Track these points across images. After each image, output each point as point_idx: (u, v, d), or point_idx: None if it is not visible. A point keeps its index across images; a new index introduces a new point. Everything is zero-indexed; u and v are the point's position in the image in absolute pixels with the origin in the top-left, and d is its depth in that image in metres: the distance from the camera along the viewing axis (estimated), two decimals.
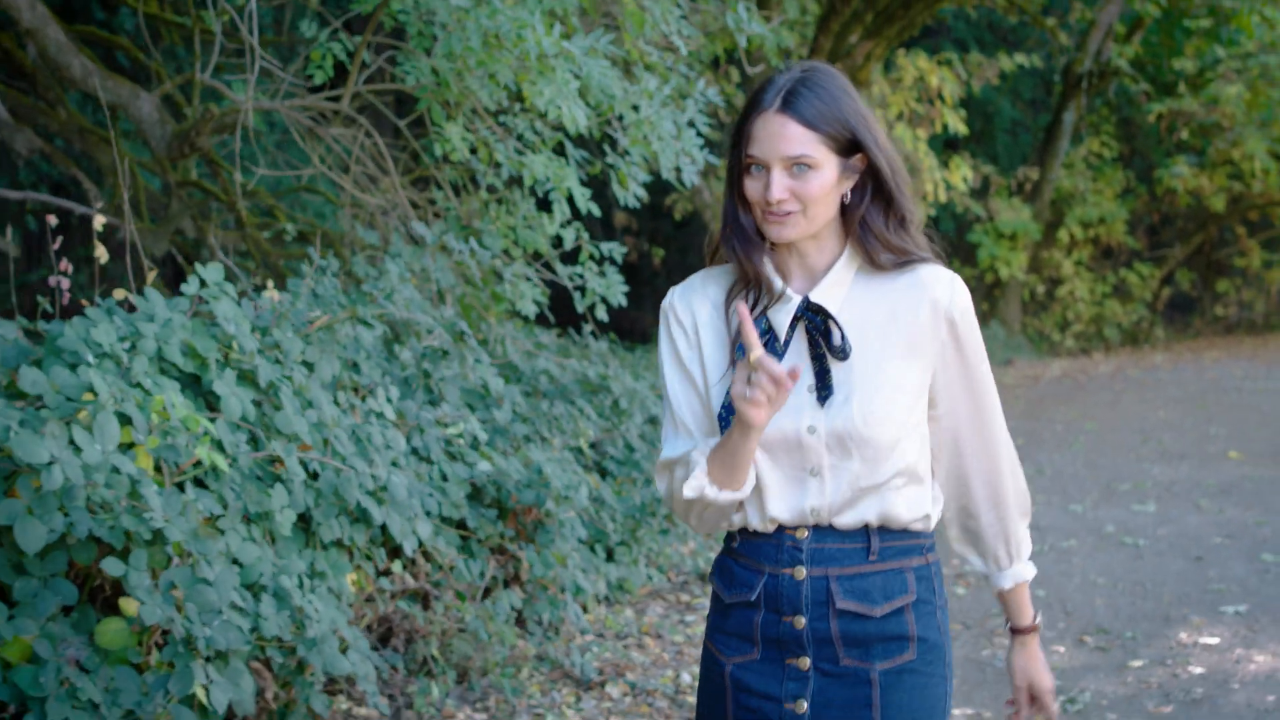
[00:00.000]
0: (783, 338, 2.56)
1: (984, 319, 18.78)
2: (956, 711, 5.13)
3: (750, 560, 2.62)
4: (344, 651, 4.44)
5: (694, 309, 2.65)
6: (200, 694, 3.91)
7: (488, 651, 5.20)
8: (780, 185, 2.51)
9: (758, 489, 2.56)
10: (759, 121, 2.53)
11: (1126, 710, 5.15)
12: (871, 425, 2.50)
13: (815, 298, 2.56)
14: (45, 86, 8.00)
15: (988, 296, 19.21)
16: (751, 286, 2.60)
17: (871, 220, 2.56)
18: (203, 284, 4.77)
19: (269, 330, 4.89)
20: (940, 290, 2.56)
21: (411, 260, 6.41)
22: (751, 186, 2.54)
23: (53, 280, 5.02)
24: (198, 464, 4.26)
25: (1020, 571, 2.68)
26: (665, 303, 2.69)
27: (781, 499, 2.56)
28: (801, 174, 2.50)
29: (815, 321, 2.55)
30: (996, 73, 15.94)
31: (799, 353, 2.56)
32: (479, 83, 6.43)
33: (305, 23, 6.63)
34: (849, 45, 12.99)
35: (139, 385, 4.22)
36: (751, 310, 2.59)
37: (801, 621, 2.55)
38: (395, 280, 5.65)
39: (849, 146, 2.53)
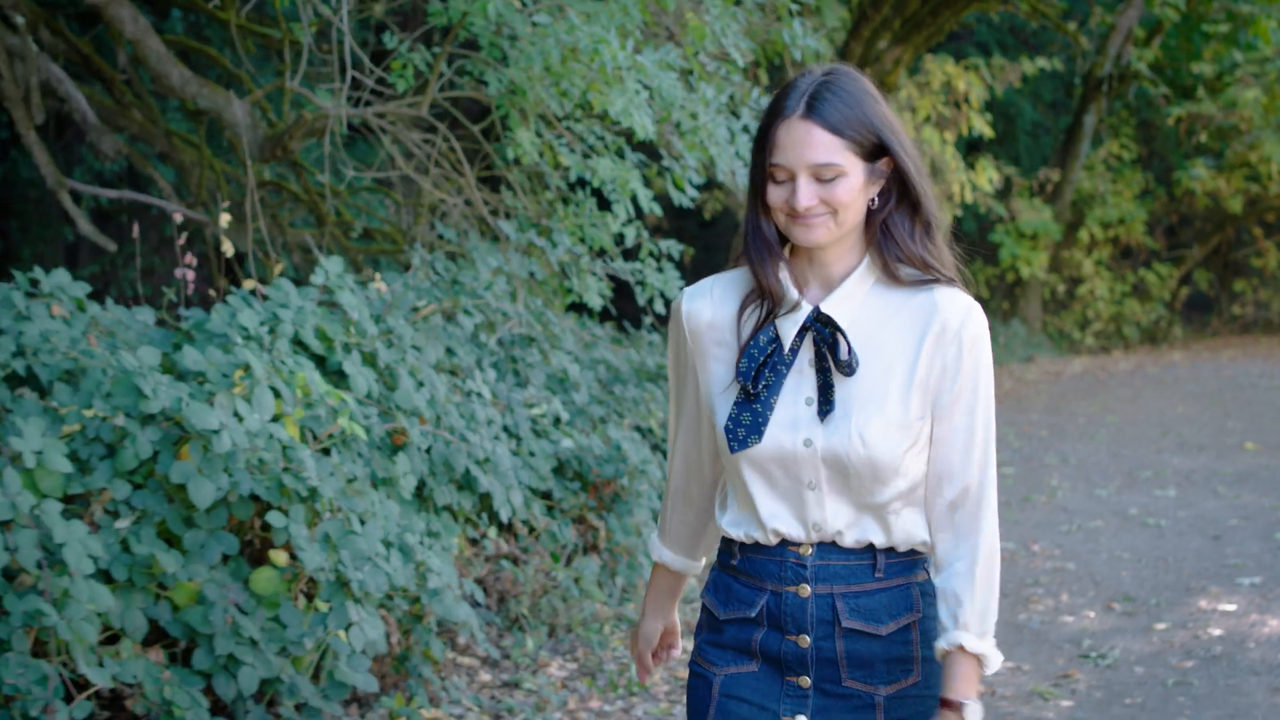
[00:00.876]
0: (788, 347, 2.55)
1: (1005, 317, 19.37)
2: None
3: (751, 578, 2.61)
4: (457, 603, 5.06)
5: (701, 314, 2.64)
6: (342, 634, 4.54)
7: (573, 610, 5.82)
8: (808, 192, 2.49)
9: (754, 506, 2.56)
10: (783, 128, 2.51)
11: (1152, 664, 5.76)
12: (870, 446, 2.48)
13: (826, 308, 2.54)
14: (121, 91, 8.61)
15: (1009, 295, 19.78)
16: (767, 296, 2.58)
17: (895, 226, 2.56)
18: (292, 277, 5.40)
19: (382, 317, 5.52)
20: (953, 314, 2.53)
21: (488, 255, 7.03)
22: (776, 194, 2.53)
23: (178, 272, 5.66)
24: (330, 435, 4.88)
25: (974, 641, 2.50)
26: (674, 304, 2.70)
27: (781, 514, 2.54)
28: (829, 182, 2.49)
29: (823, 333, 2.53)
30: (1019, 76, 16.54)
31: (804, 363, 2.55)
32: (548, 92, 7.05)
33: (388, 36, 7.24)
34: (878, 51, 13.59)
35: (283, 364, 4.83)
36: (761, 323, 2.58)
37: (806, 640, 2.54)
38: (486, 274, 6.28)
39: (875, 150, 2.52)
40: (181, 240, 5.86)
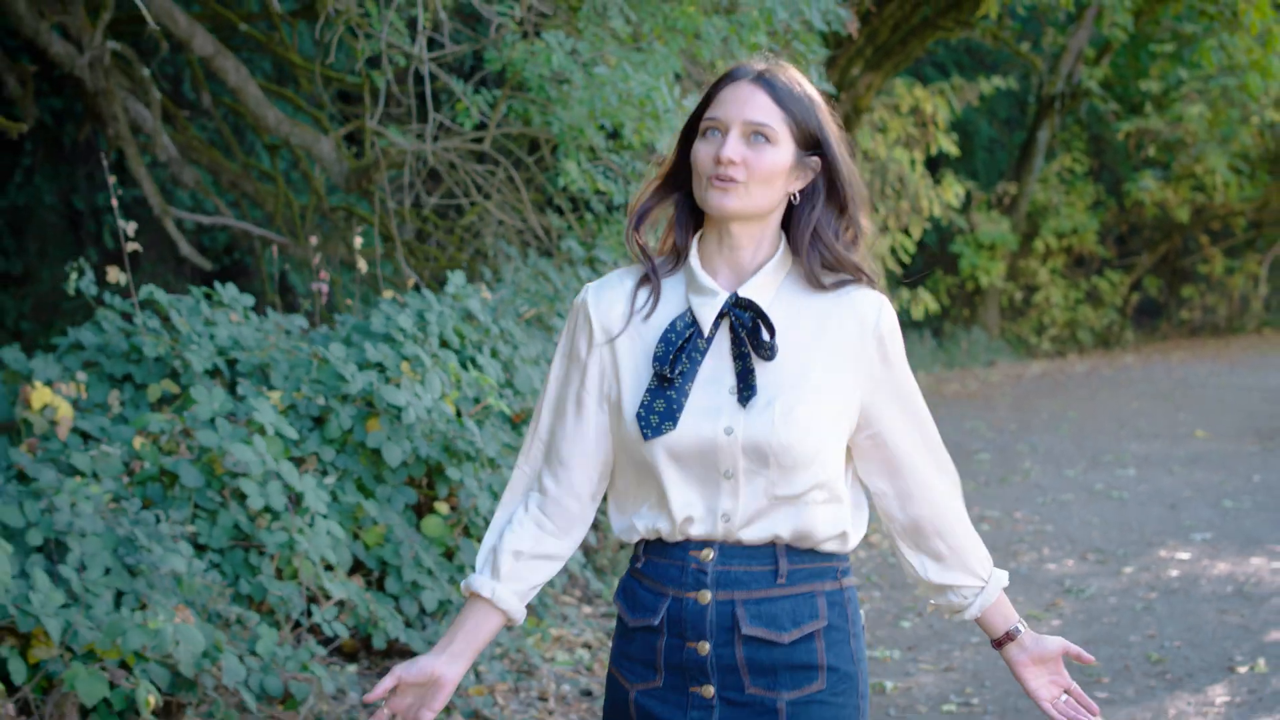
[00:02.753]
0: (705, 332, 2.58)
1: (966, 324, 20.93)
2: None
3: (654, 583, 2.64)
4: None
5: (608, 308, 2.67)
6: None
7: None
8: (735, 146, 2.54)
9: (664, 496, 2.58)
10: (728, 89, 2.59)
11: (1123, 597, 7.26)
12: (793, 431, 2.52)
13: (744, 293, 2.58)
14: (184, 126, 9.99)
15: (969, 303, 21.33)
16: (668, 261, 2.66)
17: (823, 230, 2.62)
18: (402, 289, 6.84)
19: (497, 320, 6.95)
20: (868, 309, 2.60)
21: (540, 269, 8.46)
22: (703, 149, 2.58)
23: (315, 285, 7.09)
24: (475, 412, 6.31)
25: (1000, 578, 2.74)
26: (578, 298, 2.71)
27: (691, 502, 2.57)
28: (757, 144, 2.55)
29: (742, 318, 2.56)
30: (976, 95, 18.10)
31: (722, 351, 2.59)
32: (596, 132, 8.49)
33: (456, 80, 8.66)
34: (852, 78, 15.15)
35: (435, 355, 6.26)
36: (657, 289, 2.65)
37: (706, 648, 2.58)
38: (560, 285, 7.73)
39: (809, 141, 2.60)
40: (316, 260, 7.29)
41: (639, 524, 2.64)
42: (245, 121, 10.15)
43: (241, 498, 5.48)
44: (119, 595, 4.89)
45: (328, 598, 5.41)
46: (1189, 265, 23.35)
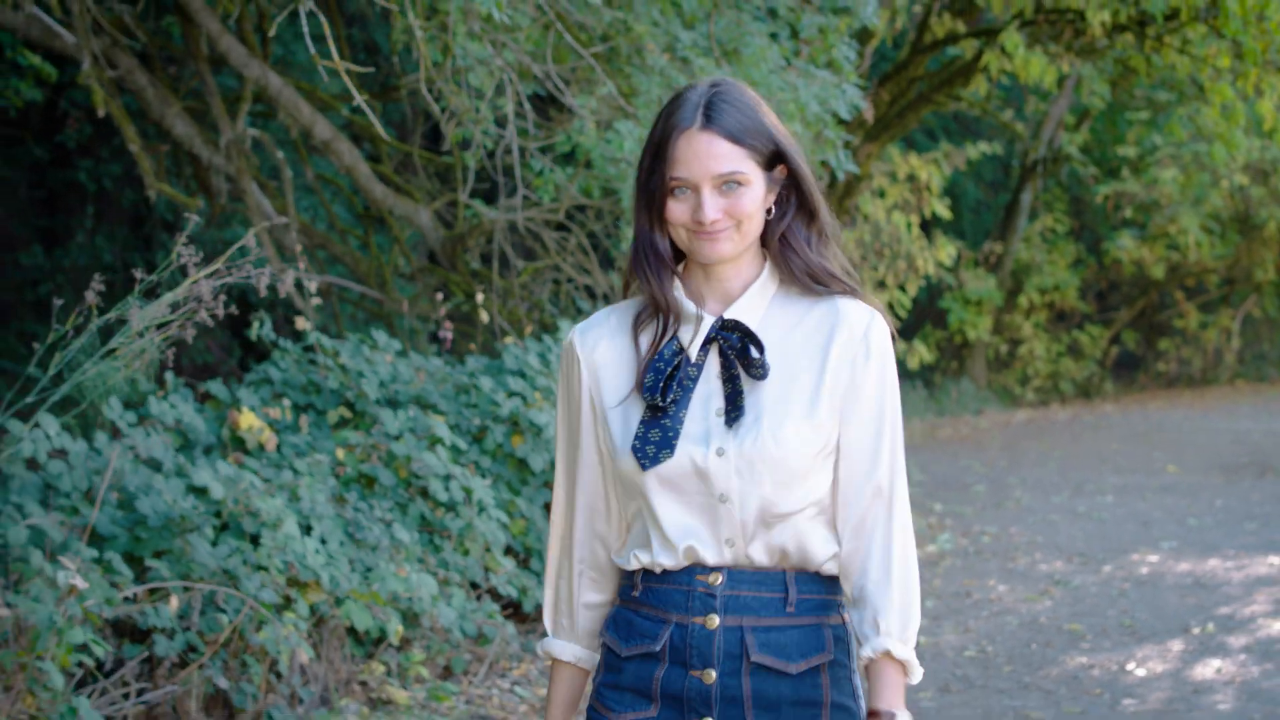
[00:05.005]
0: (693, 359, 2.63)
1: (955, 375, 22.95)
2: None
3: (655, 609, 2.65)
4: None
5: (598, 343, 2.72)
6: None
7: None
8: (713, 205, 2.57)
9: (663, 528, 2.62)
10: (682, 141, 2.58)
11: (1102, 586, 9.24)
12: (783, 446, 2.57)
13: (731, 315, 2.64)
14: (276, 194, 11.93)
15: (957, 355, 23.35)
16: (661, 313, 2.67)
17: (793, 236, 2.67)
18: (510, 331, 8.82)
19: None
20: (857, 322, 2.65)
21: None
22: (677, 209, 2.60)
23: (441, 332, 9.06)
24: None
25: (900, 647, 2.59)
26: (565, 341, 2.76)
27: (695, 531, 2.61)
28: (732, 191, 2.58)
29: (731, 340, 2.61)
30: (963, 160, 20.18)
31: (711, 375, 2.64)
32: None
33: (533, 160, 10.63)
34: (853, 148, 17.20)
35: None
36: (660, 338, 2.67)
37: (712, 676, 2.58)
38: None
39: (772, 158, 2.64)
40: (442, 311, 9.26)
41: (641, 555, 2.67)
42: (342, 194, 12.11)
43: (424, 494, 7.42)
44: (350, 561, 6.84)
45: (496, 570, 7.36)
46: (1165, 320, 25.38)
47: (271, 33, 6.36)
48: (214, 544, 6.27)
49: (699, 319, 2.66)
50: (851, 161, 10.60)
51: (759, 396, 2.62)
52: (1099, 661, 7.35)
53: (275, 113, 10.85)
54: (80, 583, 5.22)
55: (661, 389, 2.61)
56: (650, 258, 2.65)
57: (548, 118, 11.62)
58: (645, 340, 2.69)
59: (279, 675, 6.05)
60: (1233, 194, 22.44)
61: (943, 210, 17.68)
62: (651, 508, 2.63)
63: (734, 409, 2.59)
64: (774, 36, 11.07)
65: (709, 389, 2.64)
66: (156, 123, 11.34)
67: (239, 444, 7.61)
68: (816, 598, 2.65)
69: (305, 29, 6.74)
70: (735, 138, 2.60)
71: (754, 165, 2.61)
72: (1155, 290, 24.73)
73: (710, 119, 2.60)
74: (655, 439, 2.60)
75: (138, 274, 5.48)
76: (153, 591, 5.94)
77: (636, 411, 2.65)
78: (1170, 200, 22.17)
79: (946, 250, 17.85)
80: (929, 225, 21.56)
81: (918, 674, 2.62)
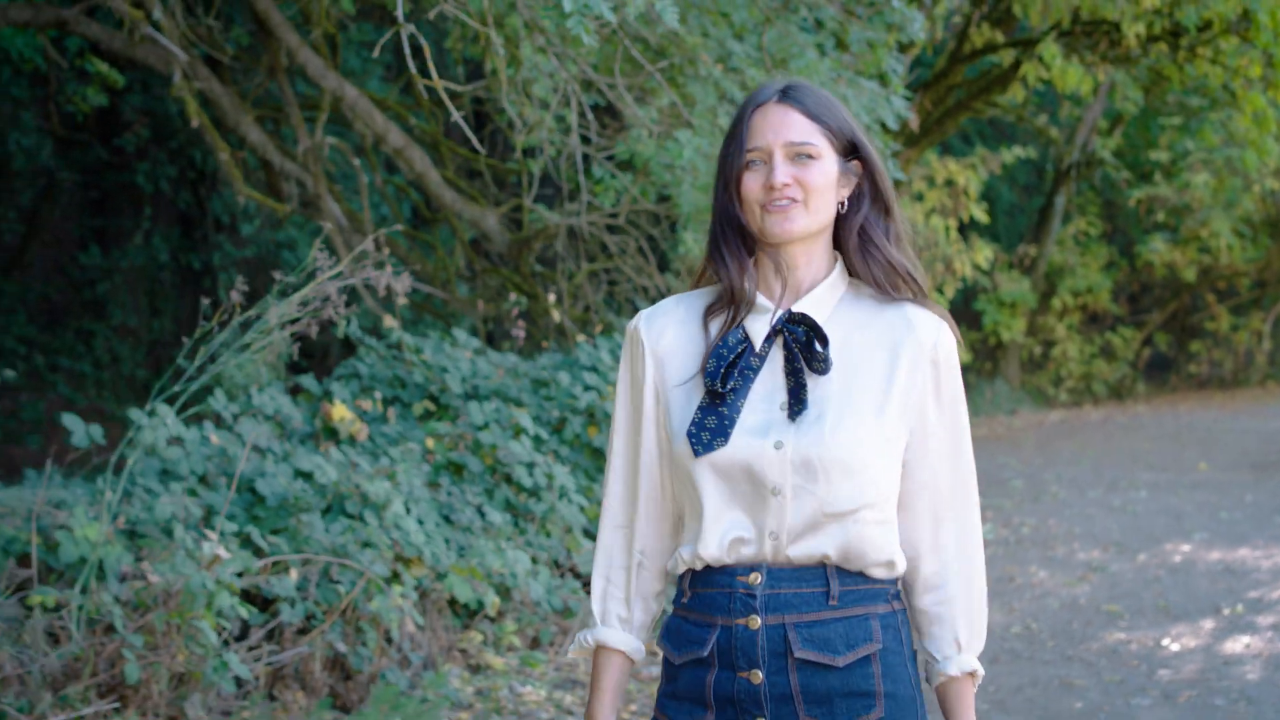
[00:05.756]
0: (757, 349, 2.67)
1: (989, 376, 23.59)
2: None
3: (701, 615, 2.69)
4: None
5: (662, 328, 2.76)
6: None
7: None
8: (784, 170, 2.63)
9: (711, 516, 2.66)
10: (758, 114, 2.68)
11: (1138, 572, 9.88)
12: (845, 446, 2.59)
13: (799, 309, 2.67)
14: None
15: (991, 357, 24.00)
16: (733, 300, 2.70)
17: (872, 230, 2.71)
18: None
19: None
20: (926, 332, 2.68)
21: None
22: (751, 180, 2.66)
23: (515, 331, 9.74)
24: None
25: (971, 661, 2.71)
26: (630, 326, 2.79)
27: (738, 521, 2.64)
28: (804, 164, 2.65)
29: (796, 333, 2.64)
30: (999, 164, 20.82)
31: (775, 367, 2.67)
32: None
33: (596, 167, 11.31)
34: (893, 154, 17.86)
35: None
36: (728, 325, 2.69)
37: (759, 676, 2.62)
38: None
39: (848, 147, 2.70)
40: (515, 312, 9.95)
41: (684, 553, 2.72)
42: (407, 197, 12.81)
43: (509, 480, 8.11)
44: (446, 540, 7.53)
45: (577, 550, 8.04)
46: (1197, 322, 26.01)
47: (375, 53, 7.00)
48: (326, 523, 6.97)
49: (765, 310, 2.70)
50: (899, 170, 11.26)
51: (823, 393, 2.63)
52: (1136, 638, 8.01)
53: (349, 121, 11.56)
54: (224, 553, 5.91)
55: (722, 375, 2.63)
56: (728, 236, 2.70)
57: (604, 125, 12.31)
58: (715, 328, 2.71)
59: (390, 641, 6.74)
60: (1264, 198, 23.03)
61: (980, 214, 18.31)
62: (699, 496, 2.66)
63: (797, 403, 2.62)
64: (820, 48, 11.74)
65: (773, 381, 2.66)
66: (231, 130, 12.03)
67: (331, 434, 8.30)
68: (861, 589, 2.65)
69: (406, 50, 7.42)
70: (811, 114, 2.67)
71: (827, 145, 2.67)
72: (1187, 293, 25.37)
73: (788, 95, 2.68)
74: (711, 425, 2.63)
75: (277, 275, 6.13)
76: (273, 565, 6.63)
77: (696, 397, 2.67)
78: (1202, 204, 22.71)
79: (984, 253, 18.49)
80: (965, 229, 22.21)
81: (981, 670, 2.75)
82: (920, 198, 18.36)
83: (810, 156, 2.65)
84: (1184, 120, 22.34)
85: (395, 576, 6.94)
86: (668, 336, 2.75)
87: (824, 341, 2.63)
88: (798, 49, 11.13)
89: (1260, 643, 7.81)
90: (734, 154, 2.69)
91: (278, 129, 13.80)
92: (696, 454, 2.63)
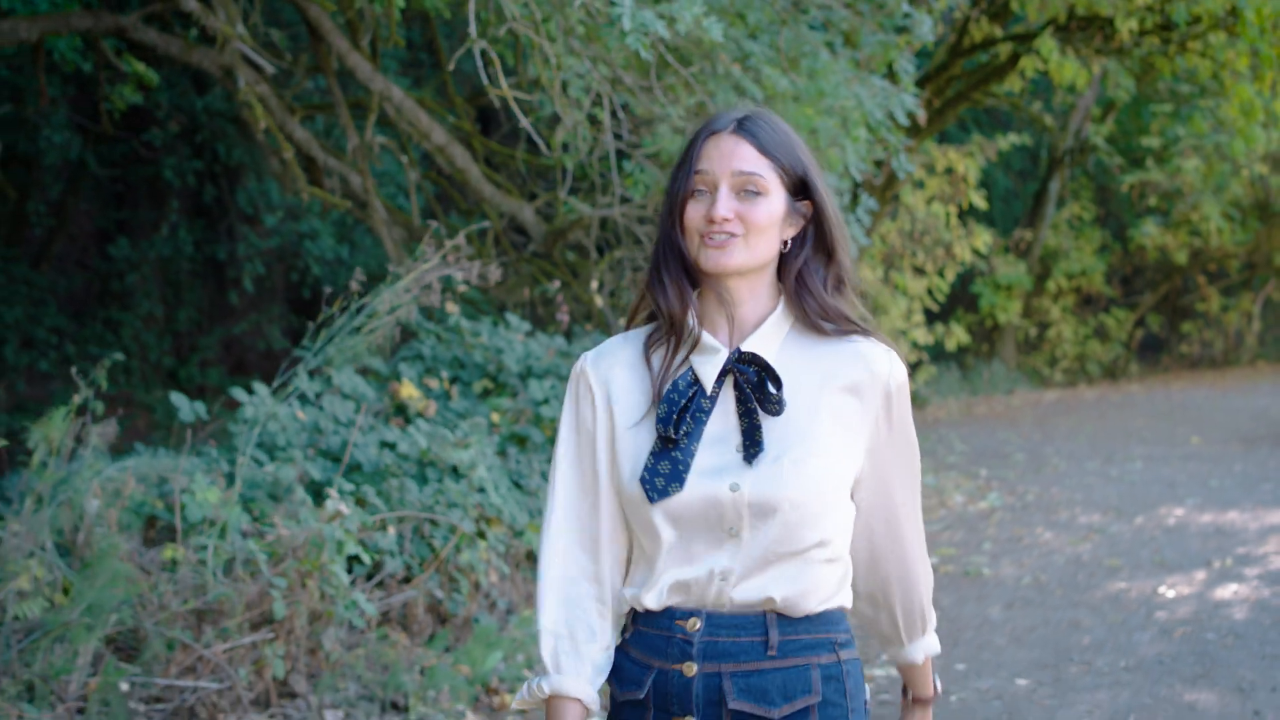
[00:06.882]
0: (708, 391, 2.64)
1: (986, 358, 24.67)
2: None
3: (640, 654, 2.69)
4: None
5: (609, 368, 2.74)
6: None
7: None
8: (726, 204, 2.60)
9: (659, 559, 2.65)
10: (710, 143, 2.65)
11: (1135, 534, 10.95)
12: (806, 486, 2.58)
13: (748, 348, 2.65)
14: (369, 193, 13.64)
15: (988, 339, 25.05)
16: (674, 331, 2.68)
17: (809, 275, 2.69)
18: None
19: None
20: (879, 365, 2.67)
21: None
22: (694, 209, 2.64)
23: (559, 316, 10.79)
24: None
25: (930, 644, 2.86)
26: (576, 367, 2.77)
27: (685, 564, 2.63)
28: (749, 199, 2.62)
29: (747, 373, 2.62)
30: (994, 151, 21.85)
31: (727, 408, 2.65)
32: None
33: (625, 160, 12.33)
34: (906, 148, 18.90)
35: None
36: (671, 359, 2.68)
37: None
38: None
39: (798, 186, 2.68)
40: (559, 297, 10.98)
41: (627, 592, 2.72)
42: (445, 191, 13.85)
43: None
44: (517, 502, 8.57)
45: None
46: (1188, 304, 27.11)
47: (451, 66, 8.02)
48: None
49: (715, 350, 2.67)
50: (910, 163, 12.31)
51: (779, 434, 2.63)
52: (1135, 586, 9.08)
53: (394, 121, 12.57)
54: (344, 509, 6.95)
55: (675, 421, 2.63)
56: (670, 263, 2.68)
57: (635, 123, 13.34)
58: (656, 361, 2.71)
59: (478, 588, 7.78)
60: (1253, 182, 24.06)
61: (980, 201, 19.36)
62: (649, 540, 2.67)
63: (753, 444, 2.61)
64: (830, 45, 12.79)
65: (725, 423, 2.65)
66: (279, 129, 13.02)
67: (400, 411, 9.33)
68: (803, 638, 2.66)
69: (479, 64, 8.44)
70: (763, 148, 2.65)
71: (776, 180, 2.66)
72: (1178, 275, 26.46)
73: (743, 127, 2.67)
74: (665, 471, 2.62)
75: (391, 268, 7.14)
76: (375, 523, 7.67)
77: (648, 441, 2.67)
78: (1193, 189, 23.67)
79: (983, 238, 19.54)
80: (964, 215, 23.25)
81: (938, 646, 2.90)
82: (921, 185, 19.39)
83: (757, 191, 2.64)
84: (1175, 107, 23.34)
85: (480, 533, 7.98)
86: (616, 379, 2.74)
87: (777, 383, 2.63)
88: (810, 48, 12.16)
89: (1247, 590, 8.88)
90: (681, 179, 2.69)
91: (327, 129, 14.79)
92: (651, 500, 2.62)
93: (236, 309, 19.82)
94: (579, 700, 2.72)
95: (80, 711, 5.75)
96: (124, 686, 5.89)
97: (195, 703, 6.06)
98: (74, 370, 6.81)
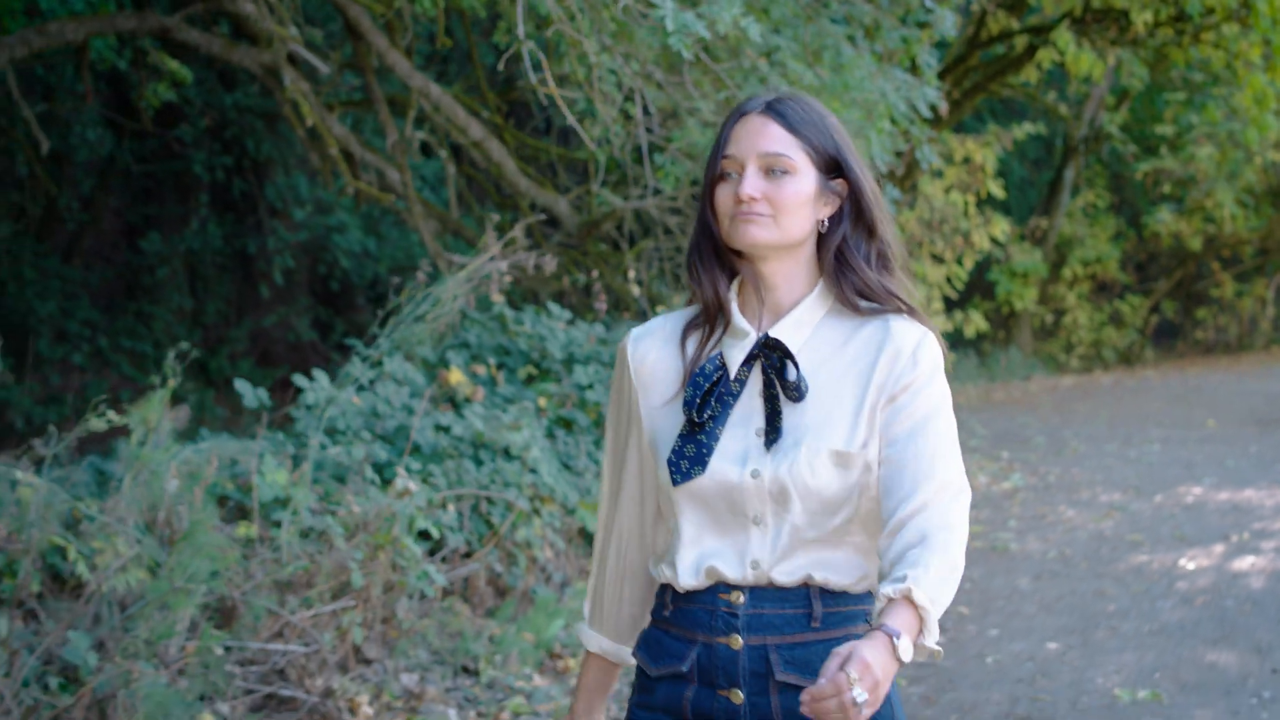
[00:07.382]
0: (734, 375, 2.65)
1: (1003, 345, 25.14)
2: None
3: (682, 630, 2.70)
4: None
5: (646, 350, 2.77)
6: None
7: None
8: (753, 183, 2.59)
9: (693, 544, 2.67)
10: (739, 125, 2.66)
11: (1155, 512, 11.44)
12: (818, 475, 2.58)
13: (775, 334, 2.64)
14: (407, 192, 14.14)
15: (1004, 325, 25.51)
16: (709, 316, 2.71)
17: (851, 253, 2.67)
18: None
19: None
20: (905, 340, 2.63)
21: None
22: (723, 191, 2.64)
23: (597, 305, 11.29)
24: None
25: (910, 588, 2.38)
26: (620, 345, 2.83)
27: (720, 551, 2.65)
28: (777, 178, 2.60)
29: (772, 359, 2.62)
30: (1010, 140, 22.32)
31: (753, 393, 2.65)
32: None
33: (657, 154, 12.82)
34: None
35: None
36: (705, 342, 2.70)
37: (739, 696, 2.63)
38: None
39: (830, 165, 2.66)
40: (597, 285, 11.48)
41: (665, 569, 2.74)
42: (482, 186, 14.36)
43: None
44: (568, 482, 9.07)
45: None
46: (1202, 290, 27.53)
47: (501, 65, 8.51)
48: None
49: (744, 334, 2.68)
50: (933, 154, 12.79)
51: (799, 419, 2.63)
52: (1156, 559, 9.57)
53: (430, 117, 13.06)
54: (413, 486, 7.46)
55: (699, 404, 2.64)
56: (704, 248, 2.71)
57: (663, 112, 13.82)
58: (691, 346, 2.74)
59: (534, 562, 8.28)
60: (1266, 169, 24.46)
61: (997, 190, 19.84)
62: (679, 523, 2.70)
63: (773, 430, 2.62)
64: (851, 39, 13.24)
65: (750, 406, 2.66)
66: (317, 124, 13.48)
67: (448, 397, 9.83)
68: (844, 610, 2.67)
69: (527, 64, 8.93)
70: (791, 127, 2.63)
71: (806, 159, 2.64)
72: (1193, 261, 26.84)
73: (772, 107, 2.66)
74: (690, 454, 2.64)
75: (454, 258, 7.63)
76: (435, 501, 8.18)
77: (678, 423, 2.69)
78: (1206, 176, 24.07)
79: (1000, 226, 20.02)
80: (982, 203, 23.72)
81: (932, 640, 2.42)
82: (940, 174, 19.87)
83: (785, 170, 2.63)
84: (1188, 96, 23.76)
85: (535, 511, 8.48)
86: (650, 358, 2.77)
87: (798, 369, 2.62)
88: (832, 41, 12.59)
89: (1264, 561, 9.38)
90: (712, 163, 2.70)
91: (355, 124, 15.27)
92: (675, 483, 2.65)
93: (265, 302, 20.28)
94: (599, 655, 2.93)
95: (181, 673, 6.26)
96: (218, 650, 6.40)
97: (285, 665, 6.57)
98: (169, 357, 7.25)
